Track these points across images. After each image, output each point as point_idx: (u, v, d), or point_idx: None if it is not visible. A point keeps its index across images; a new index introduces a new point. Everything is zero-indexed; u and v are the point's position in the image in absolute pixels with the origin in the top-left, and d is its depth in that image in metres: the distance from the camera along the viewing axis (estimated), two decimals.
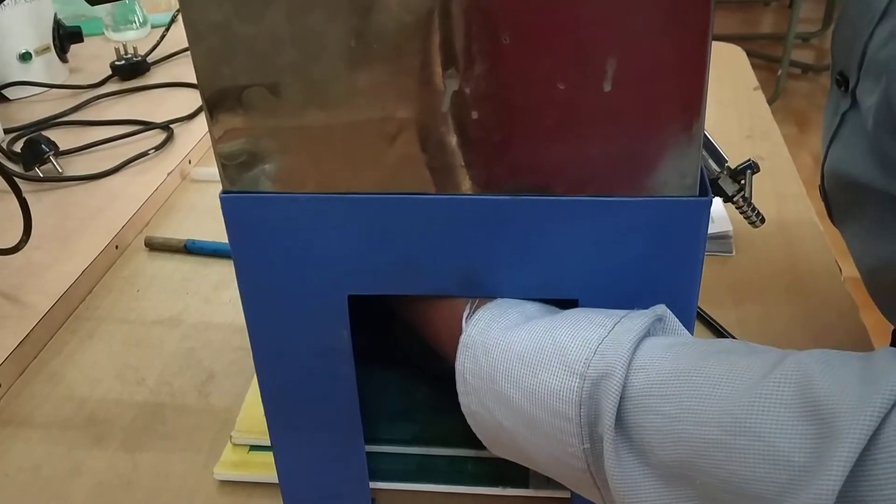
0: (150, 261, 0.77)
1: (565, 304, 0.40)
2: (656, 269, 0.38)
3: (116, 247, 0.77)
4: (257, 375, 0.44)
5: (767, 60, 2.88)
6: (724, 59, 0.98)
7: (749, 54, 0.88)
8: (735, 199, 0.46)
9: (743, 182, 0.46)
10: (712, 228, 0.74)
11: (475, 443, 0.42)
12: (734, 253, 0.74)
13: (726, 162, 0.46)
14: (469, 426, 0.41)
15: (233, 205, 0.39)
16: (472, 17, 0.34)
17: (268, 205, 0.39)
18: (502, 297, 0.40)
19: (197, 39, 0.35)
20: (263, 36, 0.35)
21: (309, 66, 0.35)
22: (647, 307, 0.38)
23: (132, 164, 0.91)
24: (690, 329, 0.40)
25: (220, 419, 0.58)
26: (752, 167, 0.46)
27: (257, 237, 0.39)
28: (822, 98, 2.73)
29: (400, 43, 0.34)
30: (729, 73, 1.02)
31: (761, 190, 0.83)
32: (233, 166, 0.38)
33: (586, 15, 0.33)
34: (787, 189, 0.83)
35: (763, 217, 0.48)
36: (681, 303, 0.39)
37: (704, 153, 0.45)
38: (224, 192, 0.39)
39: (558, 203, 0.37)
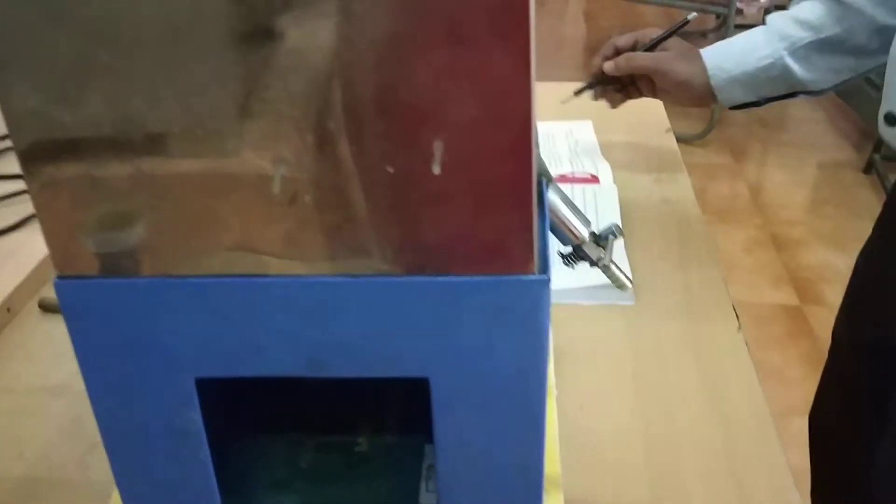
0: (44, 323, 0.75)
1: (416, 382, 0.39)
2: (503, 347, 0.38)
3: (8, 310, 0.75)
4: (109, 461, 0.43)
5: None
6: (639, 101, 0.99)
7: None
8: (599, 264, 0.46)
9: (604, 247, 0.46)
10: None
11: None
12: (634, 302, 0.74)
13: (590, 227, 0.46)
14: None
15: (67, 291, 0.38)
16: (299, 104, 0.33)
17: (104, 290, 0.38)
18: (350, 377, 0.40)
19: (17, 128, 0.34)
20: (84, 123, 0.34)
21: (134, 155, 0.34)
22: (499, 387, 0.38)
23: (33, 220, 0.89)
24: (540, 408, 0.39)
25: (97, 493, 0.56)
26: (614, 233, 0.46)
27: (95, 323, 0.38)
28: (757, 128, 2.79)
29: (226, 129, 0.34)
30: (640, 115, 1.04)
31: (666, 232, 0.84)
32: (65, 251, 0.37)
33: (412, 101, 0.33)
34: (690, 232, 0.84)
35: (630, 279, 0.49)
36: (531, 380, 0.39)
37: (567, 220, 0.45)
38: (59, 276, 0.38)
39: (396, 283, 0.37)
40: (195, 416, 0.41)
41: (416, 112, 0.33)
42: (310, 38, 0.32)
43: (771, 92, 0.86)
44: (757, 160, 2.60)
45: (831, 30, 0.79)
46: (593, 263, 0.47)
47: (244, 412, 0.55)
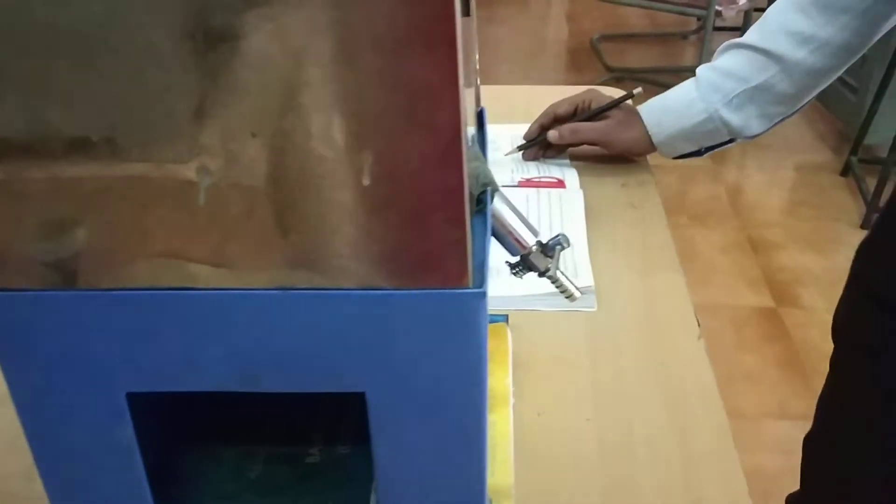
0: None
1: (354, 397, 0.39)
2: (440, 361, 0.37)
3: None
4: (41, 477, 0.42)
5: None
6: None
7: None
8: (547, 274, 0.46)
9: (552, 257, 0.45)
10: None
11: None
12: (596, 308, 0.74)
13: (538, 237, 0.46)
14: None
15: None
16: (225, 113, 0.33)
17: (29, 303, 0.37)
18: (282, 391, 0.39)
19: None
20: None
21: (55, 164, 0.34)
22: (437, 401, 0.38)
23: None
24: (480, 422, 0.39)
25: None
26: (561, 243, 0.46)
27: (20, 337, 0.37)
28: None
29: (149, 137, 0.33)
30: None
31: (632, 238, 0.83)
32: None
33: (339, 111, 0.32)
34: (654, 239, 0.83)
35: (578, 289, 0.48)
36: (469, 394, 0.38)
37: (513, 229, 0.45)
38: None
39: (329, 297, 0.36)
40: (127, 432, 0.40)
41: (344, 123, 0.33)
42: (236, 48, 0.31)
43: (710, 142, 0.90)
44: (736, 162, 2.60)
45: (759, 78, 0.83)
46: (541, 274, 0.46)
47: (194, 422, 0.54)
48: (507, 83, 3.41)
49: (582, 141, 0.95)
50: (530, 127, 0.97)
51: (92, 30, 0.31)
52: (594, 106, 0.94)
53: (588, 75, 3.13)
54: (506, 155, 0.97)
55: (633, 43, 3.64)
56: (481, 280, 0.36)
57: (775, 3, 0.85)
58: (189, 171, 0.34)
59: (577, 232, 0.82)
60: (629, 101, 0.95)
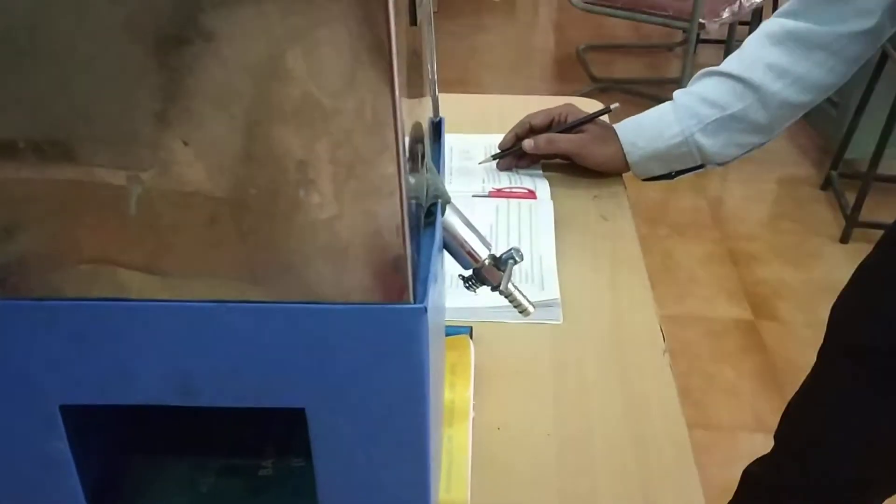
0: None
1: (293, 412, 0.38)
2: (380, 376, 0.37)
3: None
4: None
5: None
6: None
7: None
8: (499, 289, 0.45)
9: (504, 270, 0.45)
10: (539, 295, 0.74)
11: None
12: (562, 321, 0.73)
13: (491, 250, 0.45)
14: None
15: None
16: (157, 117, 0.32)
17: None
18: (221, 406, 0.38)
19: None
20: None
21: None
22: (378, 417, 0.37)
23: None
24: (422, 438, 0.38)
25: None
26: (514, 257, 0.45)
27: None
28: None
29: (77, 142, 0.32)
30: None
31: (601, 250, 0.83)
32: None
33: (275, 122, 0.32)
34: (624, 251, 0.83)
35: (532, 304, 0.47)
36: (410, 409, 0.38)
37: (465, 243, 0.44)
38: None
39: (266, 310, 0.35)
40: (61, 445, 0.39)
41: (280, 133, 0.32)
42: (166, 59, 0.31)
43: (681, 165, 0.91)
44: (718, 174, 2.61)
45: (735, 106, 0.85)
46: (494, 288, 0.45)
47: (144, 434, 0.53)
48: (491, 91, 3.41)
49: (557, 152, 0.95)
50: (505, 136, 0.96)
51: (17, 33, 0.30)
52: (570, 119, 0.94)
53: (573, 85, 3.13)
54: (479, 164, 0.96)
55: (619, 54, 3.65)
56: (423, 295, 0.36)
57: (754, 34, 0.87)
58: (120, 179, 0.33)
59: (545, 243, 0.81)
60: (606, 118, 0.95)
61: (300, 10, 0.29)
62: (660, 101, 0.92)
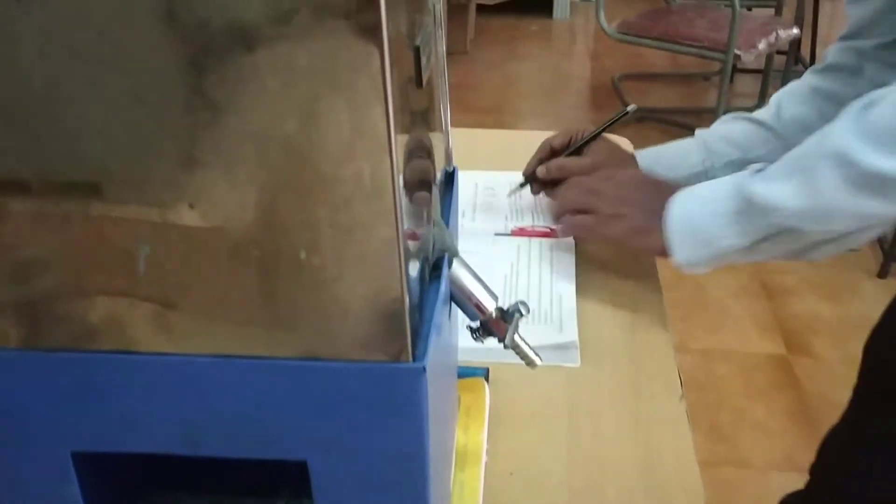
0: None
1: (295, 465, 0.39)
2: (380, 433, 0.37)
3: None
4: None
5: None
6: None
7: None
8: (505, 342, 0.45)
9: (510, 323, 0.45)
10: (557, 338, 0.74)
11: None
12: (580, 363, 0.73)
13: (496, 303, 0.45)
14: None
15: None
16: (164, 182, 0.33)
17: None
18: (228, 457, 0.39)
19: None
20: None
21: None
22: (378, 473, 0.37)
23: None
24: (422, 495, 0.38)
25: None
26: (520, 310, 0.45)
27: None
28: None
29: (93, 209, 0.34)
30: None
31: (619, 293, 0.82)
32: None
33: (277, 184, 0.33)
34: (644, 294, 0.82)
35: (539, 356, 0.48)
36: (410, 466, 0.38)
37: (472, 295, 0.45)
38: None
39: (269, 366, 0.36)
40: (72, 490, 0.40)
41: (282, 198, 0.33)
42: (172, 127, 0.32)
43: None
44: None
45: (756, 151, 0.86)
46: (500, 340, 0.46)
47: (157, 474, 0.54)
48: (526, 118, 3.41)
49: (568, 176, 0.91)
50: (529, 162, 0.95)
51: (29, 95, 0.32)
52: (587, 134, 0.92)
53: (608, 113, 3.11)
54: (508, 195, 0.96)
55: (655, 82, 3.65)
56: (424, 353, 0.36)
57: (784, 88, 0.89)
58: (129, 240, 0.34)
59: (565, 284, 0.81)
60: (630, 148, 0.94)
61: (300, 84, 0.30)
62: (695, 130, 0.92)
